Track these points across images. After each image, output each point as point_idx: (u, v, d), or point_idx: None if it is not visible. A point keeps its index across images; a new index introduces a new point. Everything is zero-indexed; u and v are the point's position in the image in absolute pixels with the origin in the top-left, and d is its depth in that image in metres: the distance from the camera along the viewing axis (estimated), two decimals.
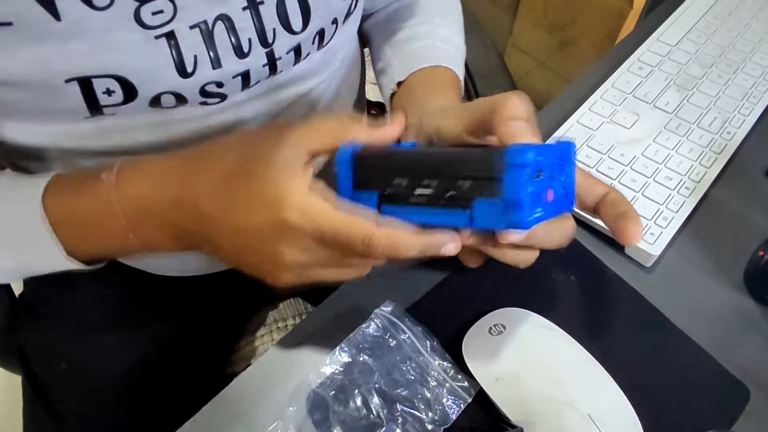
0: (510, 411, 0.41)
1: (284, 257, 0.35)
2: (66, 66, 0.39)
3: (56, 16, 0.37)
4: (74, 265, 0.44)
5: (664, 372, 0.45)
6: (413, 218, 0.33)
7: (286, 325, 0.71)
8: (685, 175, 0.54)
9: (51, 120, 0.45)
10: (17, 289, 0.71)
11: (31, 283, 0.70)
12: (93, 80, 0.40)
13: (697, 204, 0.54)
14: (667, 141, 0.57)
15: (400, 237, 0.33)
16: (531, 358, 0.43)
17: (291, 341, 0.47)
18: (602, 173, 0.54)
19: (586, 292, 0.49)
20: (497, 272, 0.49)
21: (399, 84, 0.54)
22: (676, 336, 0.47)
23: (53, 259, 0.43)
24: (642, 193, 0.53)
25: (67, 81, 0.40)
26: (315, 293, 0.51)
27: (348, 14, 0.50)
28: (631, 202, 0.52)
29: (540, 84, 1.59)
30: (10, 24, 0.37)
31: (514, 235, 0.34)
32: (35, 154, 0.49)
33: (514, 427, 0.39)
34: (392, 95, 0.55)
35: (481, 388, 0.42)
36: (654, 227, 0.51)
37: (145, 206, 0.39)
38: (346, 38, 0.55)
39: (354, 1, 0.50)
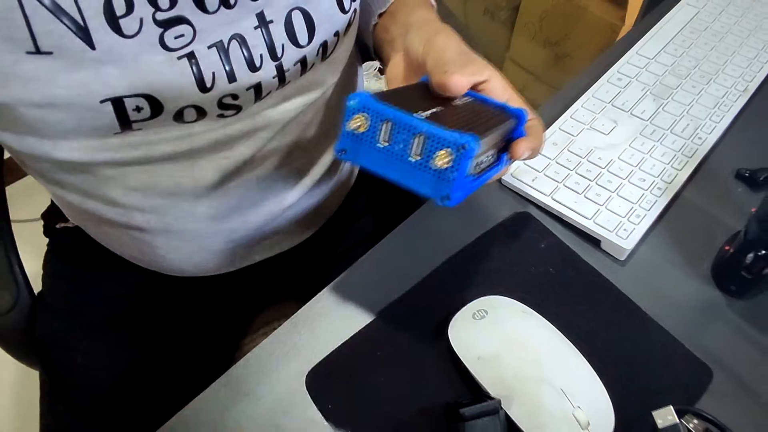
0: (490, 387, 0.45)
1: None
2: (101, 88, 0.44)
3: (91, 45, 0.41)
4: None
5: (633, 354, 0.49)
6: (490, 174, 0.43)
7: None
8: (657, 177, 0.58)
9: (84, 136, 0.49)
10: (36, 287, 0.75)
11: (49, 280, 0.74)
12: (125, 99, 0.45)
13: (669, 204, 0.58)
14: (642, 146, 0.61)
15: None
16: (511, 339, 0.47)
17: (291, 328, 0.51)
18: (581, 175, 0.59)
19: (564, 283, 0.53)
20: (481, 265, 0.54)
21: (381, 16, 0.60)
22: (646, 322, 0.51)
23: None
24: (617, 193, 0.57)
25: (102, 102, 0.44)
26: (312, 295, 0.55)
27: (348, 26, 0.55)
28: (607, 202, 0.57)
29: (536, 97, 1.64)
30: (50, 53, 0.41)
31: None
32: (66, 167, 0.53)
33: (492, 399, 0.43)
34: (374, 26, 0.61)
35: (464, 366, 0.46)
36: (627, 224, 0.55)
37: None
38: (347, 49, 0.60)
39: (353, 14, 0.55)
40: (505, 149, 0.46)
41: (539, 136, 0.48)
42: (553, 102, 0.67)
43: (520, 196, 0.59)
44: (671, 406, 0.43)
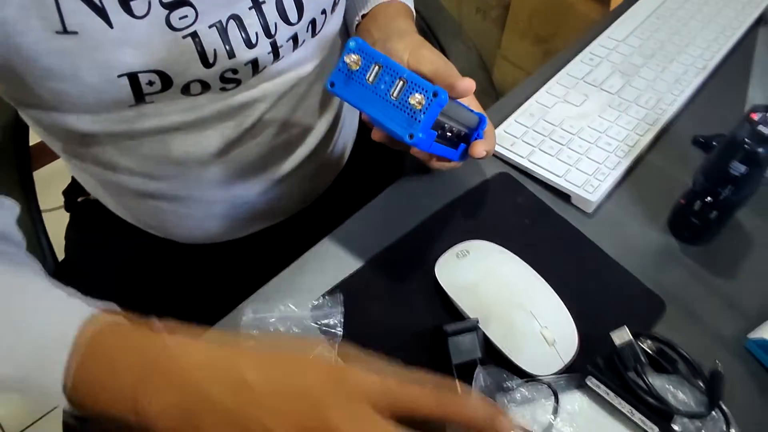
0: (470, 311, 0.52)
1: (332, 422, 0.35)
2: (118, 65, 0.50)
3: (110, 24, 0.48)
4: (62, 401, 0.42)
5: (596, 288, 0.56)
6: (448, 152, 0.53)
7: None
8: (621, 141, 0.66)
9: (104, 109, 0.55)
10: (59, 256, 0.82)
11: (71, 248, 0.82)
12: (139, 75, 0.51)
13: (632, 165, 0.65)
14: (609, 115, 0.68)
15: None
16: (489, 273, 0.54)
17: (296, 269, 0.58)
18: (554, 140, 0.66)
19: (538, 231, 0.60)
20: (466, 216, 0.61)
21: (363, 16, 0.68)
22: (608, 263, 0.58)
23: (48, 385, 0.41)
24: (586, 155, 0.64)
25: (119, 76, 0.51)
26: None
27: (335, 4, 0.62)
28: (576, 162, 0.64)
29: None
30: (76, 33, 0.48)
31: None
32: (88, 140, 0.60)
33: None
34: (357, 25, 0.68)
35: (448, 296, 0.53)
36: (594, 181, 0.62)
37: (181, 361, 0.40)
38: (334, 28, 0.67)
39: None
40: (464, 141, 0.54)
41: (493, 140, 0.58)
42: (532, 79, 0.75)
43: (501, 159, 0.66)
44: (626, 326, 0.50)
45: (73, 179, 0.81)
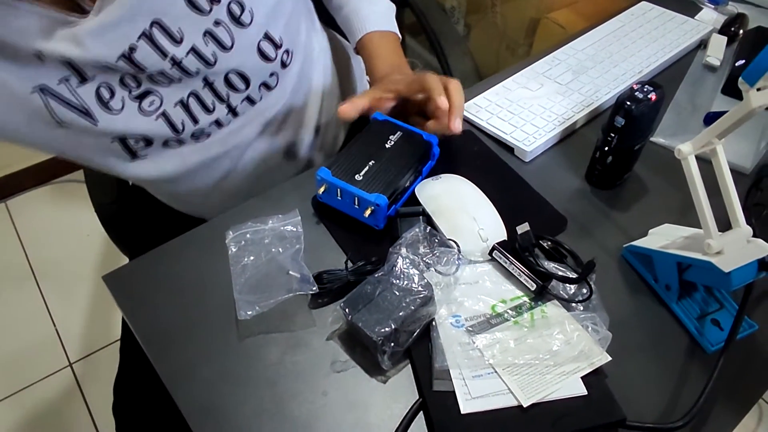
0: (429, 209, 0.74)
1: None
2: (109, 135, 0.67)
3: (95, 123, 0.64)
4: None
5: (522, 208, 0.77)
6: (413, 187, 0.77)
7: None
8: (560, 116, 0.87)
9: (114, 159, 0.72)
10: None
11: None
12: (127, 139, 0.69)
13: (567, 134, 0.87)
14: (555, 99, 0.90)
15: None
16: (448, 189, 0.76)
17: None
18: (509, 111, 0.88)
19: (487, 170, 0.82)
20: (439, 160, 0.83)
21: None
22: (533, 194, 0.79)
23: None
24: (530, 122, 0.86)
25: (111, 141, 0.68)
26: None
27: (284, 64, 0.78)
28: (522, 126, 0.86)
29: None
30: (70, 126, 0.64)
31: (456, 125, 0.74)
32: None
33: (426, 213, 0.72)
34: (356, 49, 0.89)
35: (419, 201, 0.75)
36: (532, 139, 0.84)
37: None
38: (298, 66, 0.83)
39: (286, 54, 0.78)
40: (425, 157, 0.77)
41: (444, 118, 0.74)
42: (506, 71, 0.97)
43: (467, 121, 0.89)
44: (527, 223, 0.71)
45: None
